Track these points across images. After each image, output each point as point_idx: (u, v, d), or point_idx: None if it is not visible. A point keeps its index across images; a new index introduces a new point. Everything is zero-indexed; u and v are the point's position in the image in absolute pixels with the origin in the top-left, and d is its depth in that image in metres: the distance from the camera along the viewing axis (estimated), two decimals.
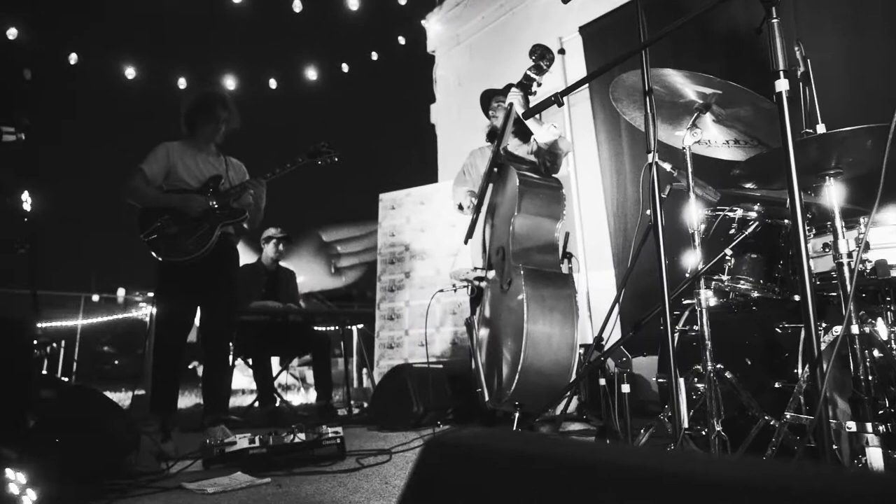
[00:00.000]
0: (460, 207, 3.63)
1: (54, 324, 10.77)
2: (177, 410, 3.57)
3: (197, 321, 3.74)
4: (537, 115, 3.23)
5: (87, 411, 2.63)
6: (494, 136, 3.71)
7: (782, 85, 1.34)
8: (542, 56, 3.14)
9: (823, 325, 2.01)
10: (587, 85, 5.39)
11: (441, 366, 4.68)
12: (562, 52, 5.68)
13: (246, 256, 5.63)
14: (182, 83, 7.03)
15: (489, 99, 3.69)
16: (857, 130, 1.62)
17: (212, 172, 3.62)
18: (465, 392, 3.99)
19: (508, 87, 3.58)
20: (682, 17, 1.58)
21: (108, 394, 7.29)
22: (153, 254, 3.38)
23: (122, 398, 6.63)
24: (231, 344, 3.81)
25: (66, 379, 8.73)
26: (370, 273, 6.37)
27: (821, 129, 1.78)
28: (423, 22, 7.70)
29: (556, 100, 1.65)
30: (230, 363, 4.12)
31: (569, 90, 1.69)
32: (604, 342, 2.57)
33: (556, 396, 2.48)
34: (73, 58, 6.57)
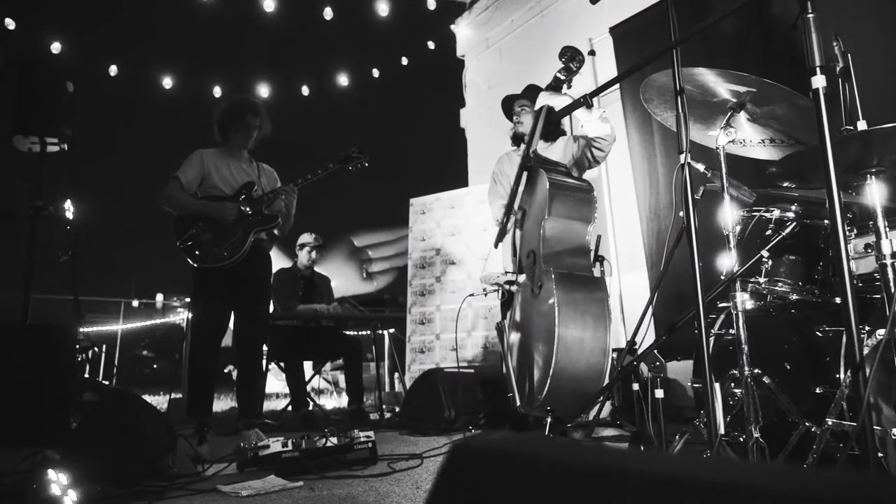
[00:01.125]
0: (498, 223, 3.63)
1: (96, 328, 11.08)
2: (212, 414, 3.63)
3: (231, 326, 3.80)
4: (587, 106, 3.20)
5: (126, 414, 2.69)
6: (518, 140, 3.69)
7: (819, 81, 1.30)
8: (571, 58, 3.12)
9: (867, 328, 1.94)
10: (618, 86, 5.33)
11: (472, 370, 4.67)
12: (592, 53, 5.63)
13: (281, 262, 5.71)
14: (217, 91, 7.20)
15: (511, 104, 3.67)
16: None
17: (245, 179, 3.68)
18: (497, 396, 3.97)
19: (529, 89, 3.56)
20: (715, 15, 1.55)
21: (147, 397, 7.48)
22: (188, 260, 3.46)
23: (160, 401, 6.78)
24: (265, 348, 3.86)
25: (107, 382, 8.96)
26: (401, 278, 6.39)
27: (861, 125, 1.72)
28: (452, 27, 7.72)
29: (586, 101, 1.63)
30: (264, 368, 4.18)
31: (598, 91, 1.67)
32: (636, 346, 2.53)
33: (588, 402, 2.44)
34: (112, 69, 6.78)
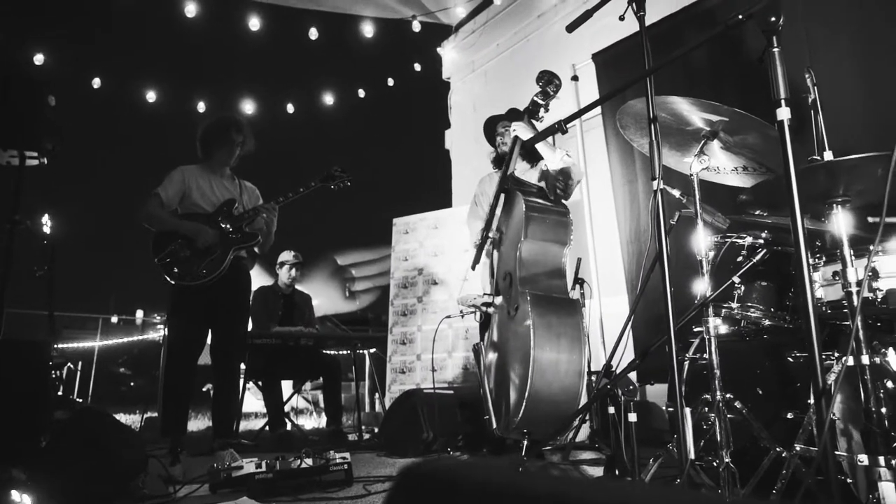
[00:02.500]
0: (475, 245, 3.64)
1: (72, 345, 10.90)
2: (186, 433, 3.57)
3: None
4: (549, 140, 3.24)
5: (96, 433, 2.64)
6: (500, 161, 3.74)
7: (784, 113, 1.34)
8: (548, 82, 3.18)
9: (836, 354, 1.97)
10: (600, 112, 5.42)
11: (452, 391, 4.65)
12: (575, 78, 5.71)
13: (262, 280, 5.68)
14: (202, 107, 7.20)
15: (494, 125, 3.72)
16: (864, 158, 1.61)
17: (226, 196, 3.67)
18: (476, 418, 3.95)
19: (511, 112, 3.61)
20: (685, 47, 1.59)
21: (122, 416, 7.35)
22: (166, 277, 3.43)
23: (136, 420, 6.66)
24: (242, 367, 3.82)
25: (81, 400, 8.79)
26: (384, 297, 6.39)
27: (828, 156, 1.77)
28: (438, 49, 7.81)
29: (560, 127, 1.66)
30: (241, 386, 4.13)
31: (572, 118, 1.70)
32: (613, 369, 2.54)
33: (562, 425, 2.44)
34: (96, 82, 6.76)
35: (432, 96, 7.87)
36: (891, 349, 1.90)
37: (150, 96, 7.04)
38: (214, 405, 3.60)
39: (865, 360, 1.61)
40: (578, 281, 4.14)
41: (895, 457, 1.54)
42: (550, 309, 2.88)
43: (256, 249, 3.67)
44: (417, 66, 7.69)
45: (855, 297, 1.62)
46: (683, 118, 2.15)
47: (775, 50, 1.36)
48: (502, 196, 3.30)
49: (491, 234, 3.34)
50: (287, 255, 5.32)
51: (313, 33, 6.71)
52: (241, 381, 5.04)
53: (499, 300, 3.23)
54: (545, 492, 0.47)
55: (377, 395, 7.06)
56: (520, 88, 6.57)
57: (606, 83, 5.28)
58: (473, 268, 3.43)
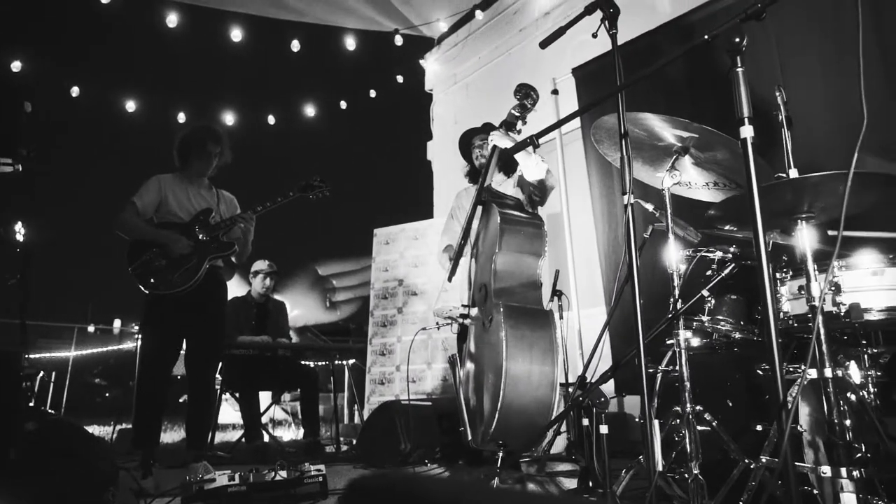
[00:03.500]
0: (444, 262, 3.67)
1: (46, 354, 10.70)
2: (159, 445, 3.53)
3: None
4: (529, 150, 3.27)
5: (65, 445, 2.60)
6: (474, 175, 3.76)
7: (747, 132, 1.37)
8: (526, 95, 3.21)
9: (803, 367, 2.01)
10: (580, 125, 5.48)
11: (430, 403, 4.64)
12: (555, 92, 5.78)
13: (238, 289, 5.63)
14: (181, 117, 7.14)
15: (470, 138, 3.74)
16: (827, 176, 1.65)
17: (203, 205, 3.65)
18: (454, 430, 3.95)
19: (487, 126, 3.64)
20: (654, 64, 1.62)
21: (96, 427, 7.22)
22: (140, 286, 3.40)
23: (110, 432, 6.54)
24: (217, 378, 3.78)
25: (53, 411, 8.62)
26: (365, 308, 6.38)
27: (793, 173, 1.81)
28: (421, 61, 7.86)
29: (532, 141, 1.69)
30: (215, 397, 4.09)
31: (545, 132, 1.73)
32: (588, 381, 2.56)
33: (536, 436, 2.45)
34: (74, 90, 6.69)
35: (414, 108, 7.91)
36: (852, 362, 1.94)
37: (130, 105, 6.98)
38: (188, 416, 3.56)
39: (829, 373, 1.64)
40: (556, 293, 4.16)
41: (857, 468, 1.57)
42: (523, 320, 2.89)
43: (233, 259, 3.65)
44: (400, 78, 7.73)
45: (819, 311, 1.66)
46: (656, 134, 2.19)
47: (739, 70, 1.40)
48: (479, 208, 3.32)
49: (468, 247, 3.36)
50: (261, 265, 5.28)
51: (296, 45, 6.72)
52: (218, 391, 4.99)
53: (474, 312, 3.24)
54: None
55: (356, 407, 7.02)
56: (501, 101, 6.60)
57: (586, 97, 5.34)
58: (450, 279, 3.44)
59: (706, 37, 1.43)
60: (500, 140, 3.22)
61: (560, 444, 4.13)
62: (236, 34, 6.35)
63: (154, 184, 3.58)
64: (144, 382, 3.43)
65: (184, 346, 3.57)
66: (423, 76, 7.89)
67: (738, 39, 1.38)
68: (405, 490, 0.52)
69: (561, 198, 5.49)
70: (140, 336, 3.51)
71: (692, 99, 4.46)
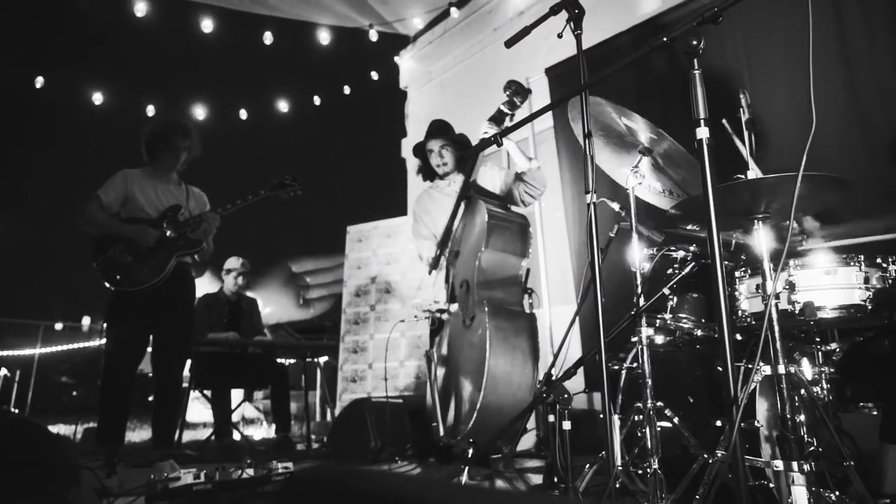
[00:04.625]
0: (421, 258, 3.64)
1: (11, 352, 10.45)
2: (124, 443, 3.48)
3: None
4: (498, 145, 3.26)
5: (23, 444, 2.54)
6: (428, 174, 3.74)
7: (703, 133, 1.40)
8: (516, 92, 3.21)
9: (761, 363, 2.05)
10: (553, 125, 5.53)
11: (401, 400, 4.64)
12: (528, 91, 5.80)
13: (211, 286, 5.57)
14: (150, 110, 7.02)
15: (424, 146, 3.69)
16: (781, 177, 1.69)
17: (171, 201, 3.60)
18: (426, 427, 3.95)
19: (436, 124, 3.62)
20: (616, 65, 1.64)
21: (62, 426, 7.07)
22: (105, 283, 3.34)
23: (77, 431, 6.42)
24: (183, 376, 3.73)
25: (17, 410, 8.43)
26: (339, 305, 6.34)
27: (751, 174, 1.85)
28: (396, 58, 7.83)
29: (496, 140, 1.70)
30: (182, 395, 4.04)
31: (508, 131, 1.74)
32: (553, 378, 2.58)
33: (503, 433, 2.47)
34: (39, 81, 6.53)
35: (389, 105, 7.88)
36: (805, 359, 1.99)
37: (98, 97, 6.85)
38: (154, 414, 3.51)
39: (782, 369, 1.69)
40: (527, 290, 4.19)
41: (808, 462, 1.62)
42: (507, 321, 2.88)
43: (197, 257, 3.61)
44: (374, 75, 7.69)
45: (774, 309, 1.70)
46: (633, 130, 2.22)
47: (696, 72, 1.42)
48: (462, 203, 3.31)
49: (450, 244, 3.35)
50: (234, 263, 5.23)
51: (268, 38, 6.64)
52: (188, 389, 4.94)
53: (454, 308, 3.23)
54: (418, 497, 0.49)
55: (328, 405, 6.99)
56: (476, 99, 6.64)
57: (559, 96, 5.39)
58: (431, 272, 3.44)
59: (665, 38, 1.46)
60: (491, 131, 3.20)
61: (530, 441, 4.17)
62: (207, 26, 6.25)
63: (120, 178, 3.52)
64: (109, 380, 3.37)
65: (150, 343, 3.53)
66: (398, 73, 7.87)
67: (695, 42, 1.41)
68: (341, 482, 0.53)
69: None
70: (105, 333, 3.45)
71: (663, 99, 4.52)
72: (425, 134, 3.69)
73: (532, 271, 4.37)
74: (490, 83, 4.17)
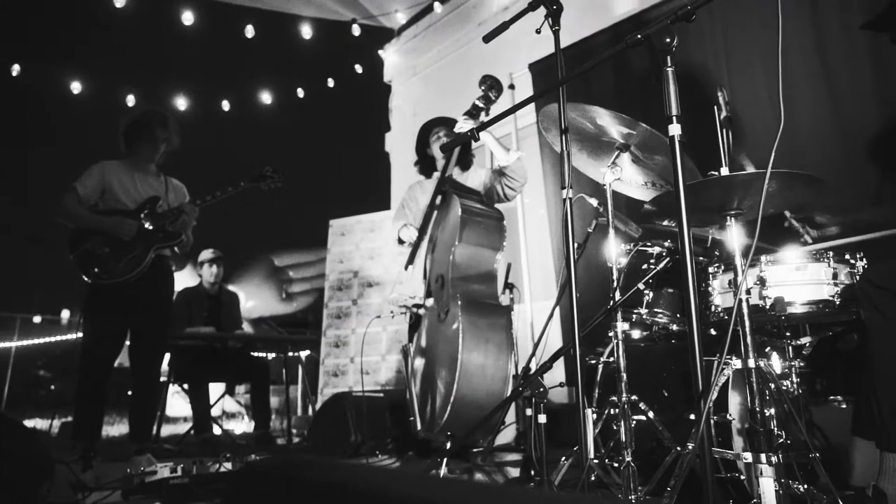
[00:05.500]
0: (400, 241, 3.62)
1: None
2: (100, 437, 3.45)
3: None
4: (474, 139, 3.28)
5: None
6: (425, 166, 3.76)
7: (675, 129, 1.41)
8: (491, 87, 3.22)
9: (734, 358, 2.08)
10: (535, 120, 5.54)
11: (382, 394, 4.65)
12: (511, 87, 5.83)
13: (192, 281, 5.52)
14: (131, 100, 6.92)
15: (430, 129, 3.73)
16: (753, 174, 1.72)
17: (150, 193, 3.57)
18: (405, 421, 3.97)
19: (443, 120, 3.65)
20: (592, 61, 1.65)
21: (39, 421, 6.98)
22: (83, 275, 3.31)
23: (54, 425, 6.35)
24: (161, 369, 3.71)
25: None
26: (322, 299, 6.32)
27: (724, 171, 1.88)
28: (380, 52, 7.80)
29: (473, 135, 1.70)
30: (159, 389, 4.01)
31: (486, 125, 1.75)
32: (531, 372, 2.60)
33: (481, 427, 2.49)
34: (15, 68, 6.42)
35: (373, 99, 7.85)
36: (774, 353, 2.02)
37: (76, 86, 6.74)
38: (131, 408, 3.49)
39: (752, 363, 1.72)
40: (508, 286, 4.21)
41: (775, 454, 1.65)
42: (480, 313, 2.91)
43: (177, 249, 3.58)
44: (358, 68, 7.65)
45: (745, 304, 1.72)
46: (601, 128, 2.23)
47: (669, 69, 1.44)
48: (439, 198, 3.32)
49: (426, 238, 3.35)
50: (206, 254, 5.17)
51: (250, 31, 6.58)
52: (167, 383, 4.90)
53: (430, 302, 3.25)
54: (365, 486, 0.49)
55: (310, 399, 6.98)
56: (460, 94, 6.62)
57: (538, 92, 5.40)
58: (407, 268, 3.44)
59: (639, 35, 1.47)
60: (465, 125, 3.21)
61: (510, 435, 4.20)
62: (188, 17, 6.18)
63: (98, 170, 3.48)
64: (86, 374, 3.34)
65: (128, 336, 3.50)
66: (382, 67, 7.84)
67: (668, 40, 1.42)
68: (295, 471, 0.53)
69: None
70: (82, 326, 3.41)
71: (644, 100, 4.54)
72: (430, 121, 3.76)
73: (514, 267, 4.40)
74: (473, 78, 4.17)
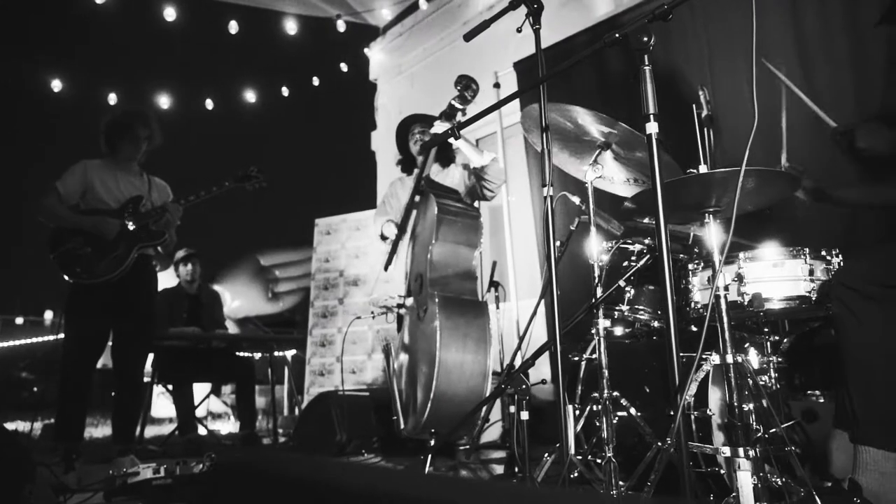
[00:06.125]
0: (383, 238, 3.62)
1: None
2: (83, 439, 3.42)
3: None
4: (455, 137, 3.29)
5: None
6: (407, 164, 3.77)
7: (652, 128, 1.43)
8: (466, 87, 3.22)
9: (713, 353, 2.11)
10: (521, 120, 5.55)
11: (368, 393, 4.65)
12: (497, 86, 5.84)
13: (173, 282, 5.47)
14: (112, 99, 6.85)
15: (408, 127, 3.73)
16: (730, 172, 1.73)
17: (133, 192, 3.54)
18: (391, 420, 3.97)
19: (423, 117, 3.66)
20: (572, 59, 1.66)
21: (20, 423, 6.89)
22: (64, 275, 3.28)
23: (37, 427, 6.28)
24: (144, 370, 3.68)
25: None
26: (309, 299, 6.30)
27: (703, 169, 1.90)
28: (366, 50, 7.78)
29: (453, 133, 1.71)
30: (143, 390, 3.98)
31: (464, 124, 1.76)
32: (514, 370, 2.61)
33: (462, 422, 2.50)
34: None
35: (359, 97, 7.83)
36: (752, 349, 2.05)
37: (56, 85, 6.66)
38: (115, 409, 3.47)
39: (729, 358, 1.74)
40: (494, 283, 4.23)
41: (752, 448, 1.67)
42: (457, 310, 2.93)
43: (160, 249, 3.55)
44: (344, 67, 7.63)
45: (723, 301, 1.75)
46: (582, 127, 2.25)
47: (646, 68, 1.45)
48: (417, 198, 3.33)
49: (405, 238, 3.37)
50: (180, 252, 5.12)
51: (234, 27, 6.53)
52: (151, 384, 4.87)
53: (410, 301, 3.26)
54: (335, 480, 0.49)
55: (296, 399, 6.95)
56: (446, 93, 6.56)
57: (520, 90, 5.42)
58: (386, 269, 3.45)
59: (617, 34, 1.48)
60: (440, 127, 3.22)
61: (496, 432, 4.21)
62: (170, 13, 6.12)
63: (79, 169, 3.45)
64: (68, 375, 3.32)
65: (111, 337, 3.47)
66: (368, 65, 7.82)
67: (645, 39, 1.44)
68: (262, 465, 0.53)
69: (502, 190, 5.56)
70: (64, 327, 3.38)
71: (629, 97, 4.57)
72: (406, 118, 3.76)
73: (500, 265, 4.42)
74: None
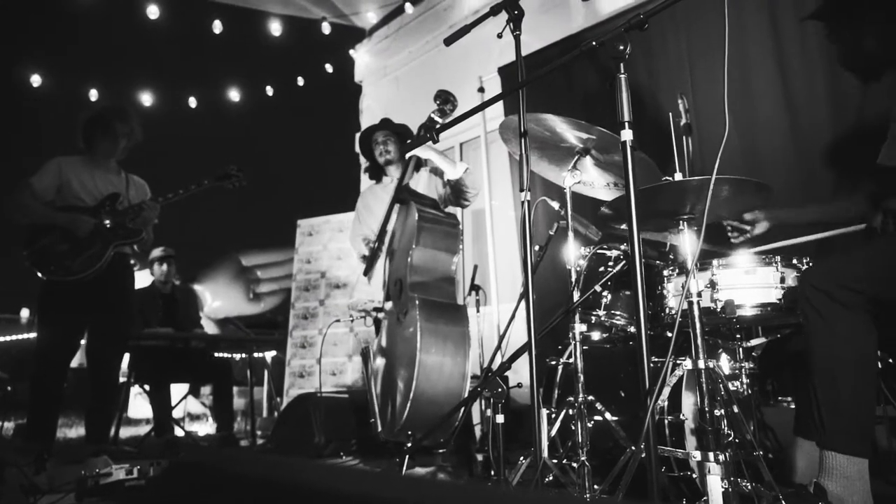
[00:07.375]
0: (364, 259, 3.64)
1: None
2: (55, 439, 3.37)
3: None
4: (434, 141, 3.33)
5: None
6: (375, 172, 3.80)
7: (626, 135, 1.45)
8: (445, 101, 3.30)
9: (686, 359, 2.13)
10: (498, 129, 5.58)
11: (347, 395, 4.63)
12: (481, 90, 5.87)
13: (148, 281, 5.41)
14: (93, 95, 6.76)
15: (369, 137, 3.76)
16: (704, 180, 1.76)
17: (110, 190, 3.51)
18: (369, 422, 3.96)
19: (385, 121, 3.71)
20: (550, 65, 1.68)
21: None
22: (38, 273, 3.23)
23: (7, 427, 6.18)
24: (119, 369, 3.64)
25: None
26: (289, 300, 6.28)
27: (678, 177, 1.92)
28: (351, 52, 7.77)
29: (432, 136, 1.72)
30: (118, 390, 3.94)
31: (444, 128, 1.77)
32: (491, 374, 2.62)
33: (440, 425, 2.51)
34: None
35: (343, 99, 7.81)
36: (724, 355, 2.08)
37: (35, 80, 6.56)
38: (88, 409, 3.44)
39: (701, 364, 1.76)
40: (475, 287, 4.24)
41: (723, 452, 1.69)
42: (437, 314, 2.96)
43: (136, 247, 3.52)
44: (329, 68, 7.61)
45: (696, 307, 1.77)
46: (559, 135, 2.27)
47: (622, 76, 1.47)
48: (396, 205, 3.38)
49: (384, 244, 3.40)
50: (156, 252, 5.08)
51: (217, 26, 6.48)
52: (127, 384, 4.81)
53: (388, 305, 3.28)
54: (289, 477, 0.50)
55: (276, 400, 6.91)
56: (430, 96, 6.64)
57: (511, 96, 5.44)
58: (366, 273, 3.47)
59: (594, 42, 1.50)
60: (422, 152, 3.31)
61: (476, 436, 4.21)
62: (153, 11, 6.06)
63: (54, 166, 3.41)
64: (40, 373, 3.28)
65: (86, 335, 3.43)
66: (353, 67, 7.81)
67: (622, 47, 1.46)
68: (220, 467, 0.54)
69: (484, 194, 5.58)
70: (37, 325, 3.33)
71: (610, 103, 4.61)
72: (367, 128, 3.80)
73: (482, 269, 4.43)
74: (443, 81, 4.20)
